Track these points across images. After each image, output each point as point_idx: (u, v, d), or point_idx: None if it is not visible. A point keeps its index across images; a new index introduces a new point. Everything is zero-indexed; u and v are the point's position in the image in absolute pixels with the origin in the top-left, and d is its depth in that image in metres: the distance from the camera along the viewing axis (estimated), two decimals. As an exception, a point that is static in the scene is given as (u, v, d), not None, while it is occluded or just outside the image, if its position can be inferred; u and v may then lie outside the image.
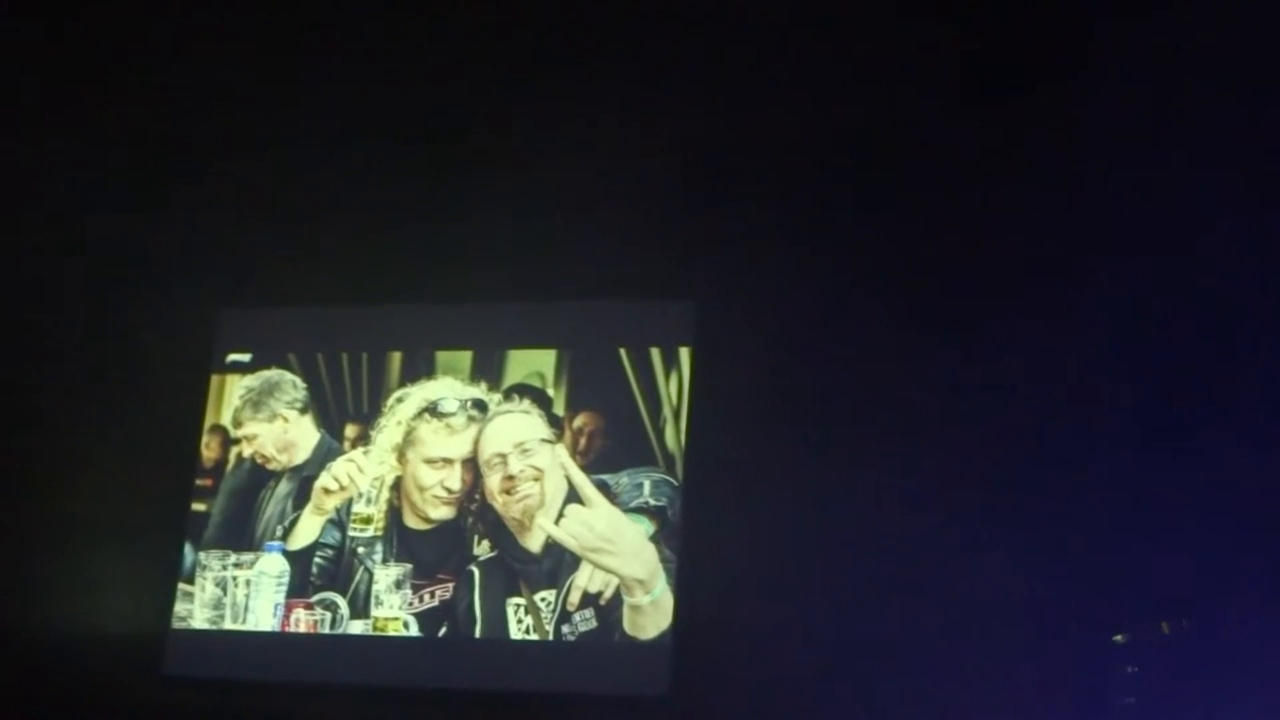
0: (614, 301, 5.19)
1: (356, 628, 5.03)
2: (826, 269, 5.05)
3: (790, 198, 5.10)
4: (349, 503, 5.14)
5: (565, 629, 4.86)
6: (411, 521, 5.07)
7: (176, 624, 5.16)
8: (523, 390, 5.13)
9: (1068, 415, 4.72)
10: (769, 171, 5.16)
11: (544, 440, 5.04)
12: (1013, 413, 4.77)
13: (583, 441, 5.03)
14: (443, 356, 5.24)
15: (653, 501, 4.91)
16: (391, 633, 4.99)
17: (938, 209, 5.00)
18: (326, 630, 5.04)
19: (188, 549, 5.19)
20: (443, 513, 5.05)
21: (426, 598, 4.99)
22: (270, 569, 5.12)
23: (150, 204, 5.55)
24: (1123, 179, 4.83)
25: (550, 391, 5.12)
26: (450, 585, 5.00)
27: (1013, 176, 4.95)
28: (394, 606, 5.01)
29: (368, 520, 5.09)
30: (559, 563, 4.92)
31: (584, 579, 4.87)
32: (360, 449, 5.16)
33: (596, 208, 5.21)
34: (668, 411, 5.01)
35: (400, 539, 5.06)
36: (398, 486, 5.11)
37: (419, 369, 5.24)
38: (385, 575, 5.04)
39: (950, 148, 5.01)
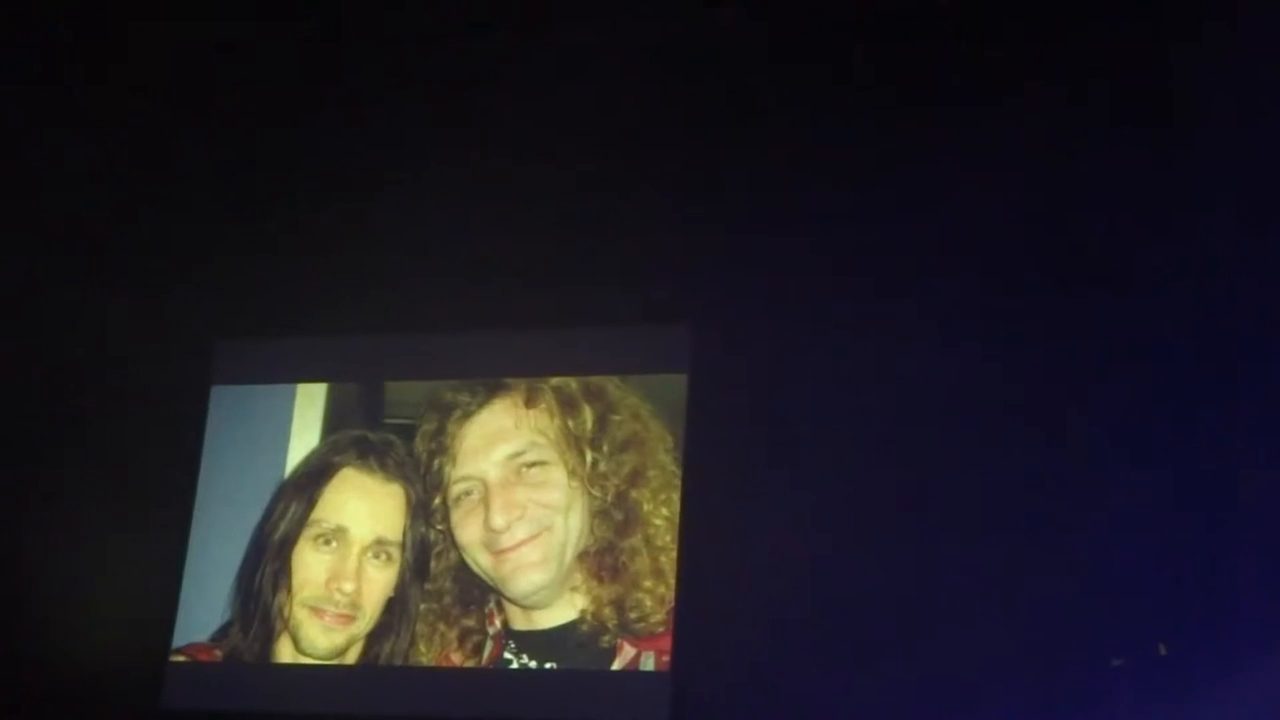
0: (608, 328, 5.18)
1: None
2: (821, 291, 5.04)
3: (784, 222, 5.09)
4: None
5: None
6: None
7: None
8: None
9: (1065, 430, 4.71)
10: (763, 194, 5.15)
11: None
12: (1012, 430, 4.76)
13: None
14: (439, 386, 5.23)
15: None
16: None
17: (934, 225, 4.98)
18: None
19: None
20: None
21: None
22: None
23: (147, 232, 5.55)
24: (1127, 182, 4.82)
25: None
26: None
27: (1011, 183, 4.93)
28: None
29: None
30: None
31: None
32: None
33: (589, 234, 5.20)
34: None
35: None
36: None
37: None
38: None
39: (948, 158, 5.00)
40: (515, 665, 4.93)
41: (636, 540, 4.93)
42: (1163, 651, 4.45)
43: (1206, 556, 4.45)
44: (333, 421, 5.30)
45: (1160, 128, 4.81)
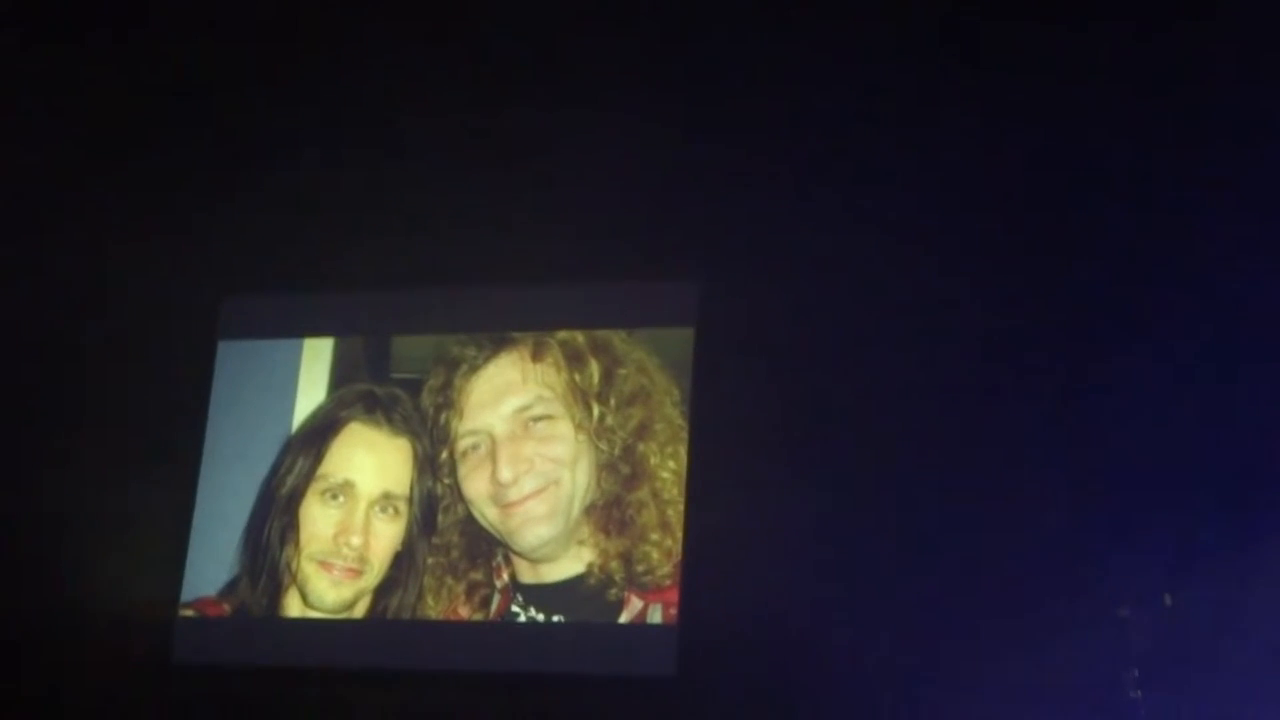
0: (616, 283, 5.17)
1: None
2: (829, 247, 5.03)
3: (794, 181, 5.08)
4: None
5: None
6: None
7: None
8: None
9: (1076, 399, 4.72)
10: (772, 153, 5.14)
11: None
12: (1020, 387, 4.76)
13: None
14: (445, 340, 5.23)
15: None
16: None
17: (942, 190, 4.99)
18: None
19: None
20: None
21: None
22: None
23: (154, 187, 5.55)
24: (1127, 185, 4.81)
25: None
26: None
27: (1021, 156, 4.93)
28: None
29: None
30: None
31: None
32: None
33: (597, 188, 5.19)
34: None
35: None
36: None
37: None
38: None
39: (955, 126, 4.99)
40: (523, 618, 4.94)
41: (643, 494, 4.94)
42: (1168, 602, 4.45)
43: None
44: (339, 376, 5.30)
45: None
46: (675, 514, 4.90)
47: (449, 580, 5.01)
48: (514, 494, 4.99)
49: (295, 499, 5.15)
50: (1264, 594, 4.35)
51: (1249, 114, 4.75)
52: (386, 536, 5.07)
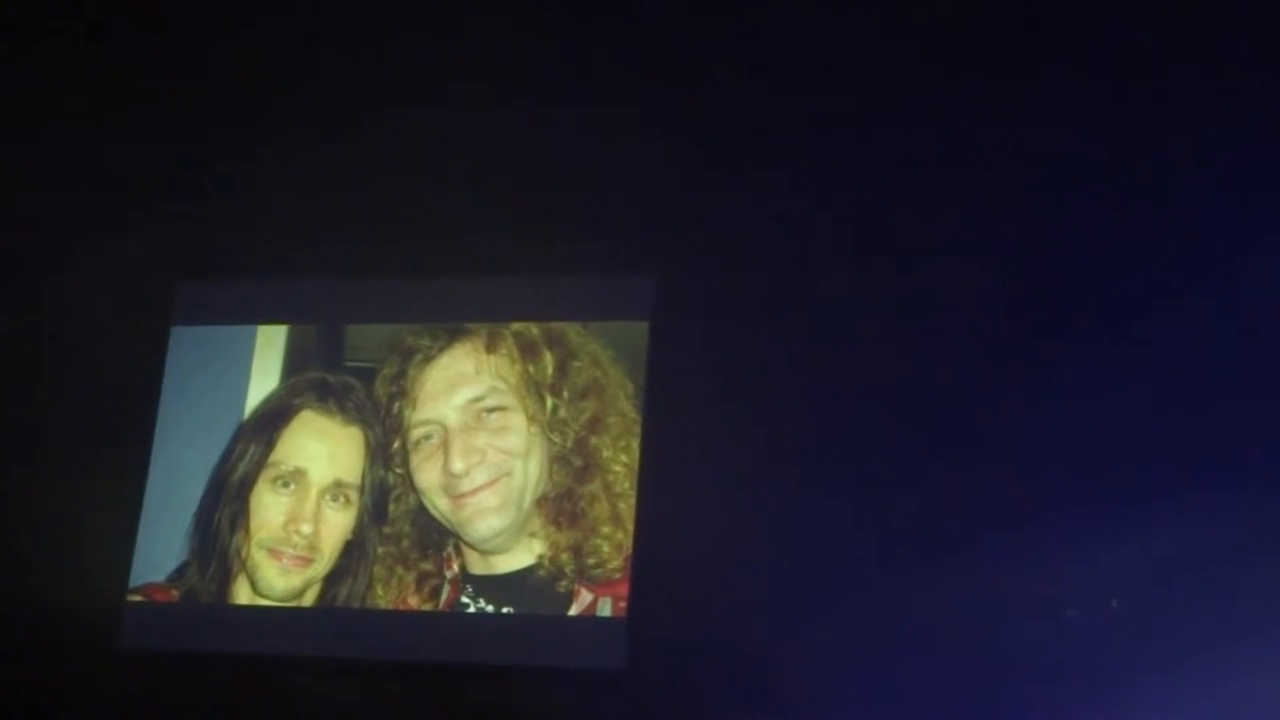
0: (572, 276, 5.17)
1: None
2: (785, 243, 5.04)
3: (752, 176, 5.09)
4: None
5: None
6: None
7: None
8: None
9: (1036, 387, 4.73)
10: (731, 147, 5.15)
11: None
12: (980, 380, 4.78)
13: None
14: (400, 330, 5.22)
15: None
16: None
17: (904, 184, 5.00)
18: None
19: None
20: None
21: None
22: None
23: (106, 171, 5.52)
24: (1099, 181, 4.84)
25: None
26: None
27: (982, 147, 4.95)
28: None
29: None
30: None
31: None
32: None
33: (553, 181, 5.19)
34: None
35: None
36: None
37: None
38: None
39: (919, 119, 5.01)
40: (472, 609, 4.94)
41: (595, 487, 4.94)
42: (1115, 605, 4.48)
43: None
44: (293, 364, 5.28)
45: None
46: (627, 507, 4.90)
47: (399, 570, 5.01)
48: (466, 485, 4.98)
49: (246, 486, 5.13)
50: (1211, 595, 4.37)
51: (1222, 110, 4.77)
52: (337, 525, 5.06)
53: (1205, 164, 4.75)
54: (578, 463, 4.97)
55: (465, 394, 5.06)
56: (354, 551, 5.03)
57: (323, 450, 5.13)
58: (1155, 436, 4.59)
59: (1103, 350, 4.69)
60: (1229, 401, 4.56)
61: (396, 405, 5.10)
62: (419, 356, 5.13)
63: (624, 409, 5.00)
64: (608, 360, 5.06)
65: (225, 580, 5.10)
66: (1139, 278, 4.74)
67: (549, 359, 5.06)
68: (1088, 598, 4.50)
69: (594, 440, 4.98)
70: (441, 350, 5.12)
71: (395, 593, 4.99)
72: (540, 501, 4.96)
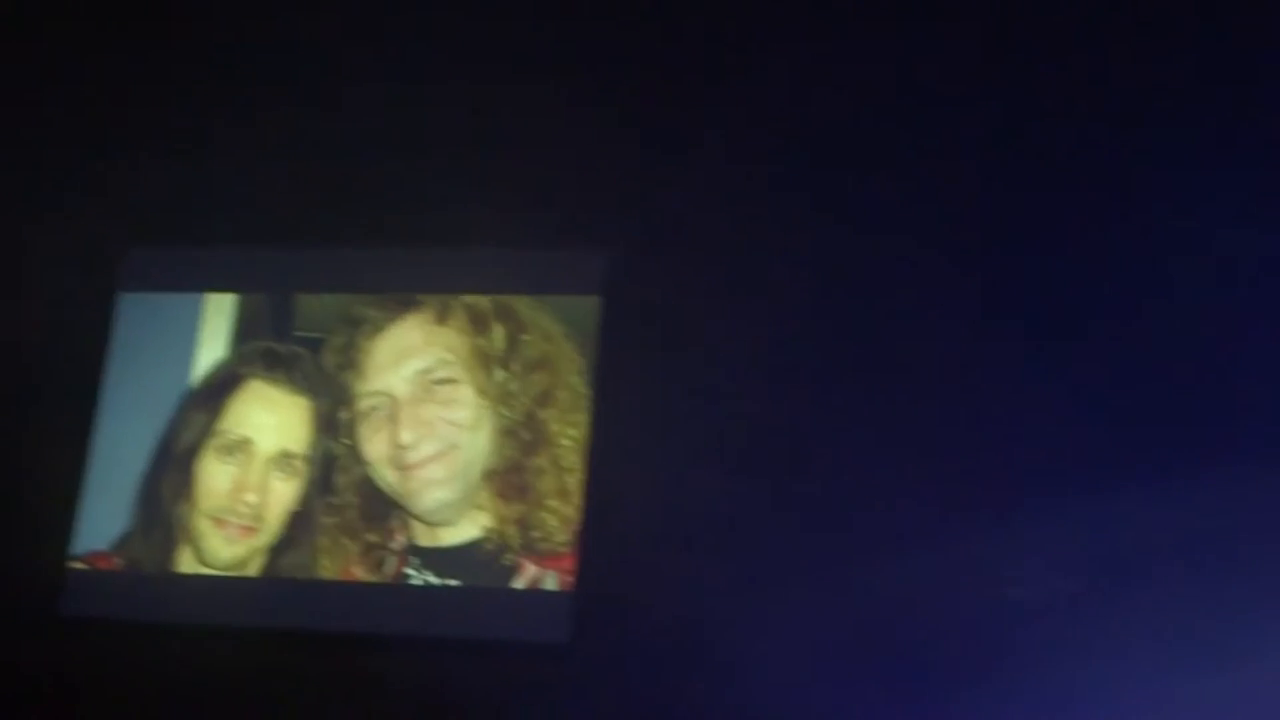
0: (524, 249, 5.15)
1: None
2: (738, 218, 5.04)
3: (705, 151, 5.09)
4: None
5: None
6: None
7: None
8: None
9: (991, 368, 4.75)
10: (684, 123, 5.14)
11: None
12: (933, 369, 4.79)
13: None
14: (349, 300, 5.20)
15: None
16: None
17: (860, 159, 4.99)
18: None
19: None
20: None
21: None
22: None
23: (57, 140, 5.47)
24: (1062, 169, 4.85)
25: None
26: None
27: (939, 124, 4.95)
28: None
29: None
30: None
31: None
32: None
33: (506, 153, 5.18)
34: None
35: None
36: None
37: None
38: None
39: (875, 97, 5.01)
40: (417, 581, 4.93)
41: (543, 460, 4.93)
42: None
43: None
44: (241, 332, 5.25)
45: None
46: (574, 482, 4.90)
47: (344, 541, 4.99)
48: (413, 456, 4.97)
49: (192, 454, 5.11)
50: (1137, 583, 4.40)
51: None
52: (283, 495, 5.04)
53: (1166, 154, 4.76)
54: (526, 436, 4.96)
55: (414, 365, 5.05)
56: (300, 522, 5.01)
57: (270, 420, 5.10)
58: (1107, 420, 4.60)
59: (1055, 334, 4.70)
60: (1179, 388, 4.58)
61: (345, 376, 5.08)
62: (368, 327, 5.11)
63: (574, 383, 5.00)
64: (559, 334, 5.06)
65: (169, 549, 5.08)
66: (1097, 263, 4.76)
67: (499, 332, 5.05)
68: (1032, 577, 4.51)
69: (543, 414, 4.98)
70: (391, 321, 5.11)
71: (340, 563, 4.97)
72: (488, 474, 4.95)
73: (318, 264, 5.28)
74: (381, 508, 4.99)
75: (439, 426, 4.98)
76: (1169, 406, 4.55)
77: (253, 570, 5.02)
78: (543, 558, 4.86)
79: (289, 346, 5.18)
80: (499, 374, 5.01)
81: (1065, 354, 4.67)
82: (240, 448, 5.08)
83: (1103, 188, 4.81)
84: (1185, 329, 4.58)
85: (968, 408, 4.72)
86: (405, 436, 4.98)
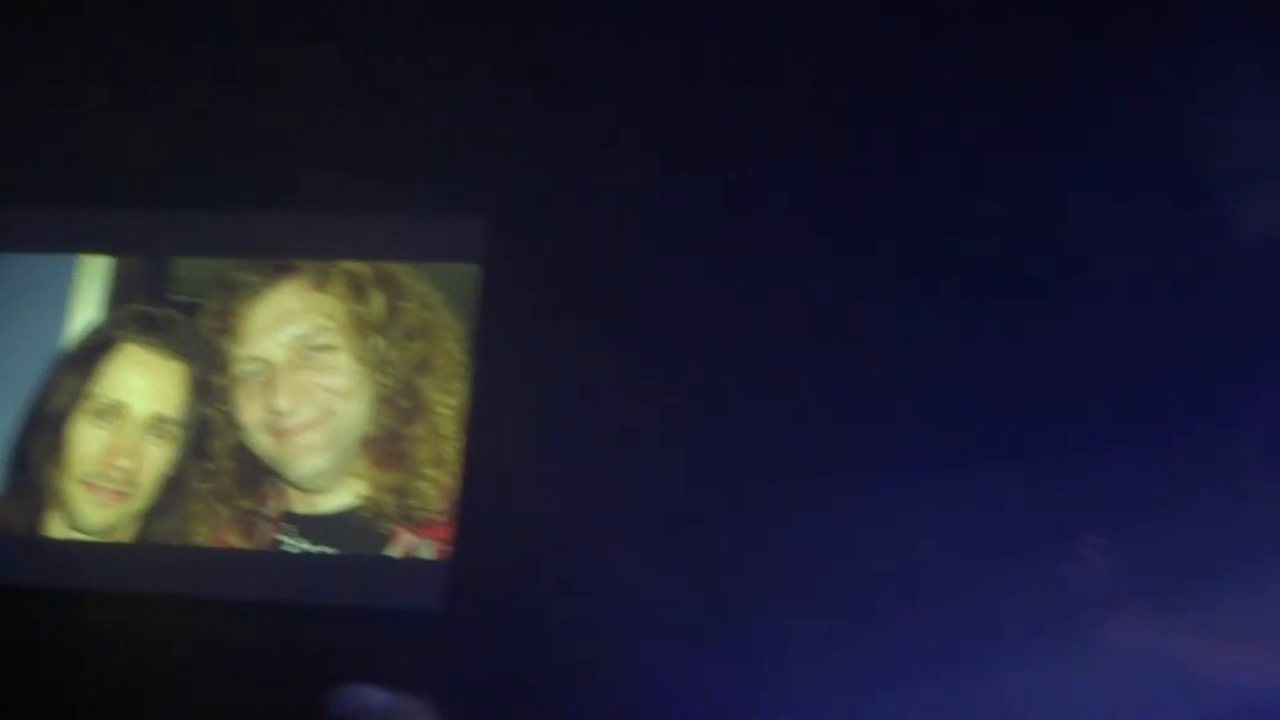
0: (404, 216, 5.12)
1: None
2: (619, 187, 5.03)
3: (586, 119, 5.07)
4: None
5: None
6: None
7: None
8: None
9: (878, 322, 4.77)
10: (565, 89, 5.12)
11: None
12: (797, 326, 4.81)
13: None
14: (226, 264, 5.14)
15: None
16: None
17: (739, 125, 4.99)
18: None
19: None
20: None
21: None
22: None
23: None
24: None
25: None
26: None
27: (818, 85, 4.96)
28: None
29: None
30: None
31: None
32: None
33: (388, 119, 5.13)
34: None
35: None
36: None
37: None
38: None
39: (757, 60, 5.00)
40: (292, 548, 4.90)
41: (421, 429, 4.92)
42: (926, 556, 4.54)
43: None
44: (116, 295, 5.19)
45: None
46: (452, 451, 4.89)
47: (218, 507, 4.96)
48: (289, 423, 4.95)
49: (63, 418, 5.05)
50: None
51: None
52: (156, 460, 5.00)
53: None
54: (404, 404, 4.95)
55: (291, 331, 5.01)
56: (173, 487, 4.97)
57: (144, 384, 5.05)
58: (974, 398, 4.66)
59: (922, 313, 4.74)
60: (1039, 370, 4.63)
61: (221, 340, 5.04)
62: (245, 292, 5.06)
63: (453, 351, 4.98)
64: (438, 302, 5.04)
65: (40, 513, 5.03)
66: (961, 243, 4.79)
67: (378, 299, 5.02)
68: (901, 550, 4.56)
69: (421, 382, 4.96)
70: (269, 286, 5.07)
71: (214, 530, 4.94)
72: (365, 442, 4.93)
73: (194, 227, 5.21)
74: (256, 474, 4.96)
75: (316, 393, 4.95)
76: (1032, 387, 4.60)
77: (125, 536, 4.98)
78: (419, 526, 4.85)
79: (164, 310, 5.12)
80: (377, 341, 4.98)
81: (930, 331, 4.70)
82: (113, 412, 5.02)
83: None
84: (1045, 312, 4.63)
85: (839, 383, 4.75)
86: (281, 403, 4.95)
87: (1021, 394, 4.58)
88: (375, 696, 3.17)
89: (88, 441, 5.02)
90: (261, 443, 4.95)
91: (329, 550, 4.89)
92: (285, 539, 4.91)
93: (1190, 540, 3.89)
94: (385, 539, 4.85)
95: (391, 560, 4.84)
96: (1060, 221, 4.63)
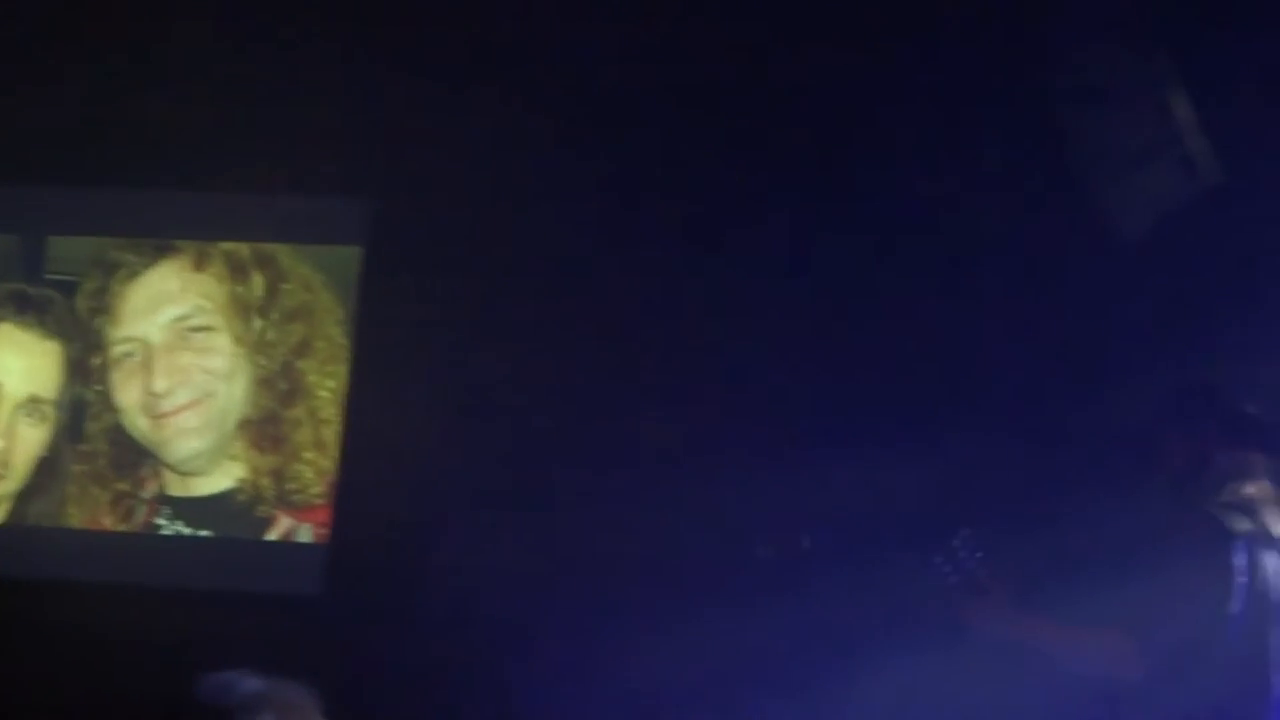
0: (286, 197, 5.09)
1: None
2: (501, 170, 5.02)
3: (470, 101, 5.05)
4: None
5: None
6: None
7: None
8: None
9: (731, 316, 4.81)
10: (449, 72, 5.10)
11: None
12: (676, 308, 4.83)
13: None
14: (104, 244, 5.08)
15: None
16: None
17: (621, 109, 5.00)
18: None
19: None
20: None
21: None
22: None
23: None
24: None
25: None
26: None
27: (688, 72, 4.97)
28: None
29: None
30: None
31: None
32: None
33: (271, 101, 5.08)
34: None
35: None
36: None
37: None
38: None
39: (633, 45, 5.01)
40: (168, 531, 4.87)
41: (300, 411, 4.90)
42: (806, 544, 4.60)
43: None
44: (-10, 274, 5.13)
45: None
46: (331, 434, 4.88)
47: (94, 489, 4.91)
48: (167, 405, 4.91)
49: (-67, 398, 4.98)
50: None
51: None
52: (31, 441, 4.94)
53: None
54: (283, 386, 4.93)
55: (170, 312, 4.97)
56: (47, 469, 4.92)
57: (19, 364, 4.99)
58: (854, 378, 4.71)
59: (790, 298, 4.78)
60: (938, 366, 4.69)
61: (98, 321, 4.99)
62: (123, 272, 5.01)
63: (333, 334, 4.97)
64: (319, 284, 5.02)
65: (-90, 494, 4.95)
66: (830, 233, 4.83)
67: (258, 280, 4.99)
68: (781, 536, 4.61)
69: (301, 364, 4.95)
70: (147, 267, 5.02)
71: (89, 512, 4.90)
72: (243, 425, 4.91)
73: (71, 205, 5.15)
74: (133, 456, 4.92)
75: (194, 375, 4.92)
76: (902, 384, 4.66)
77: (-2, 517, 4.93)
78: (297, 510, 4.84)
79: (40, 289, 5.06)
80: (257, 323, 4.96)
81: (807, 325, 4.75)
82: (-14, 392, 4.97)
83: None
84: (915, 313, 4.68)
85: (718, 370, 4.78)
86: (159, 384, 4.91)
87: (892, 391, 4.64)
88: (250, 683, 3.15)
89: (-41, 422, 4.96)
90: (138, 424, 4.91)
91: (206, 534, 4.86)
92: (162, 522, 4.88)
93: (1051, 534, 3.98)
94: (263, 522, 4.83)
95: (269, 544, 4.82)
96: (927, 216, 4.69)
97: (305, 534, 4.81)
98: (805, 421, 4.67)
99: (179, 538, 4.86)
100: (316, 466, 4.86)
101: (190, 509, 4.88)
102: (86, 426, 4.94)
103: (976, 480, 4.34)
